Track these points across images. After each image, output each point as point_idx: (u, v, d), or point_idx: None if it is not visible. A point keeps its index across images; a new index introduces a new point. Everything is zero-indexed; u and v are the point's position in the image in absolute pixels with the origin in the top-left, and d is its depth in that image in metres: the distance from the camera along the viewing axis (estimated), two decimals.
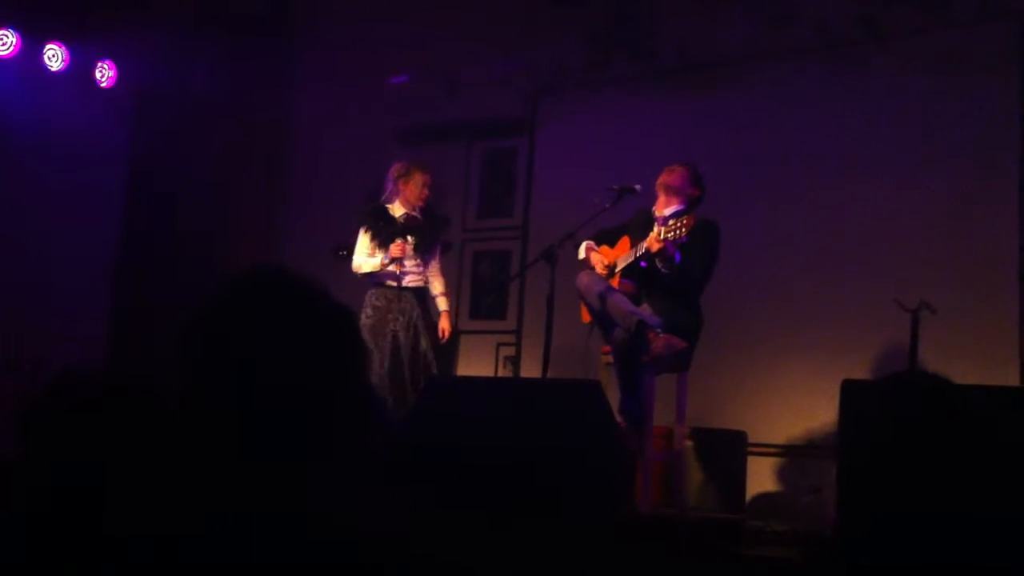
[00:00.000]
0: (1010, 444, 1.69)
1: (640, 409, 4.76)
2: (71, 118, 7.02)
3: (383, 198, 6.00)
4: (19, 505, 1.41)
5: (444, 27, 7.25)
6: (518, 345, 7.05)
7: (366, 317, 5.74)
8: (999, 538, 1.48)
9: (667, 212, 4.99)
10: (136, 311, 7.11)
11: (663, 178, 5.08)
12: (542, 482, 3.42)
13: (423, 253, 5.93)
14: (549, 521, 3.02)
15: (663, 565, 3.44)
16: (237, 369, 1.34)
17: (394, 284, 5.82)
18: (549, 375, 4.92)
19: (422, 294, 5.95)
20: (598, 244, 5.28)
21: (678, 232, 4.55)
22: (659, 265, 4.75)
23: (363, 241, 5.88)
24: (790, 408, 5.76)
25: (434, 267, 6.03)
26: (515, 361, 7.03)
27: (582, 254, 5.27)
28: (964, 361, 5.16)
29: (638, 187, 5.01)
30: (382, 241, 5.83)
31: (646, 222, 5.03)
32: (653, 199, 5.12)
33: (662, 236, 4.60)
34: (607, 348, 5.03)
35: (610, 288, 4.91)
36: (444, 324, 6.00)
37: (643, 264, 4.87)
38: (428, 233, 5.99)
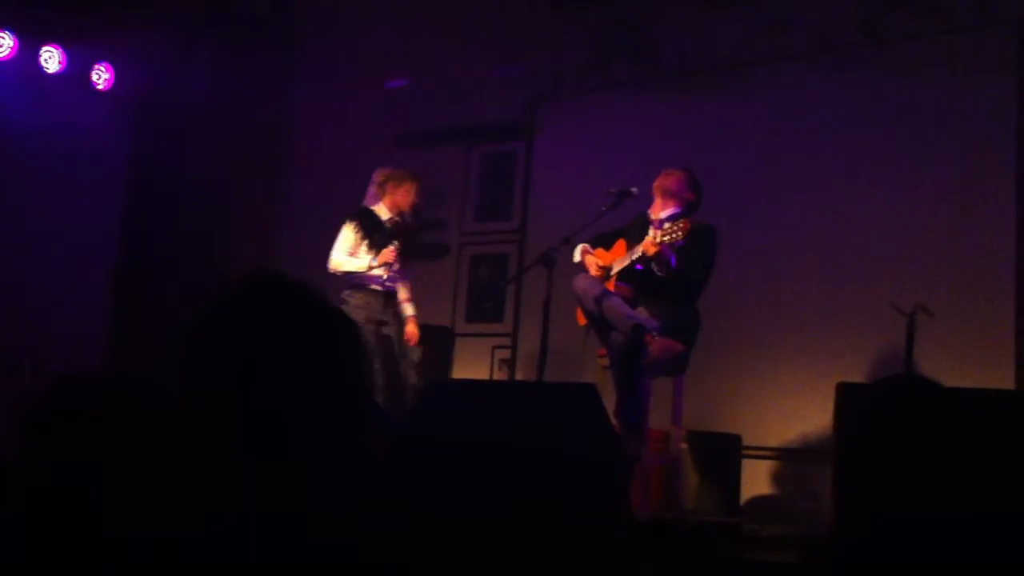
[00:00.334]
0: (1006, 446, 1.70)
1: (637, 412, 4.75)
2: (69, 120, 7.02)
3: (366, 200, 5.98)
4: (19, 505, 1.41)
5: (444, 31, 7.26)
6: (514, 348, 7.05)
7: (362, 317, 5.72)
8: (996, 539, 1.48)
9: (663, 215, 5.00)
10: (136, 312, 7.11)
11: (660, 181, 5.08)
12: (539, 485, 3.42)
13: (408, 259, 5.95)
14: (546, 523, 3.03)
15: (660, 568, 3.44)
16: (237, 369, 1.34)
17: (378, 288, 5.82)
18: (545, 378, 4.93)
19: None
20: (594, 247, 5.28)
21: (674, 236, 4.55)
22: (655, 269, 4.76)
23: (348, 240, 5.83)
24: (786, 411, 5.77)
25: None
26: (511, 364, 7.03)
27: (577, 257, 5.28)
28: (960, 364, 5.18)
29: (635, 190, 5.02)
30: (374, 244, 5.82)
31: (643, 225, 5.03)
32: (650, 203, 5.13)
33: (658, 240, 4.60)
34: (603, 351, 5.03)
35: (607, 291, 4.91)
36: (412, 328, 5.99)
37: (639, 267, 4.87)
38: (417, 240, 6.03)
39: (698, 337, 4.96)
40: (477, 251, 7.40)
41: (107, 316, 7.25)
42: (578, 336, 5.25)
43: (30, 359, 6.27)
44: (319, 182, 7.77)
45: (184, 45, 7.40)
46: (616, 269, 5.05)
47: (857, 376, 5.46)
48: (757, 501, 5.72)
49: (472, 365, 7.19)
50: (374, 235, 5.83)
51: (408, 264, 6.03)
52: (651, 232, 4.73)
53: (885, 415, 1.65)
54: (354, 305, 5.71)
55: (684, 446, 5.22)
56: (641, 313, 4.78)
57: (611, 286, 5.02)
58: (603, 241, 5.30)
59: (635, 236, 4.99)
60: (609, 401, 4.55)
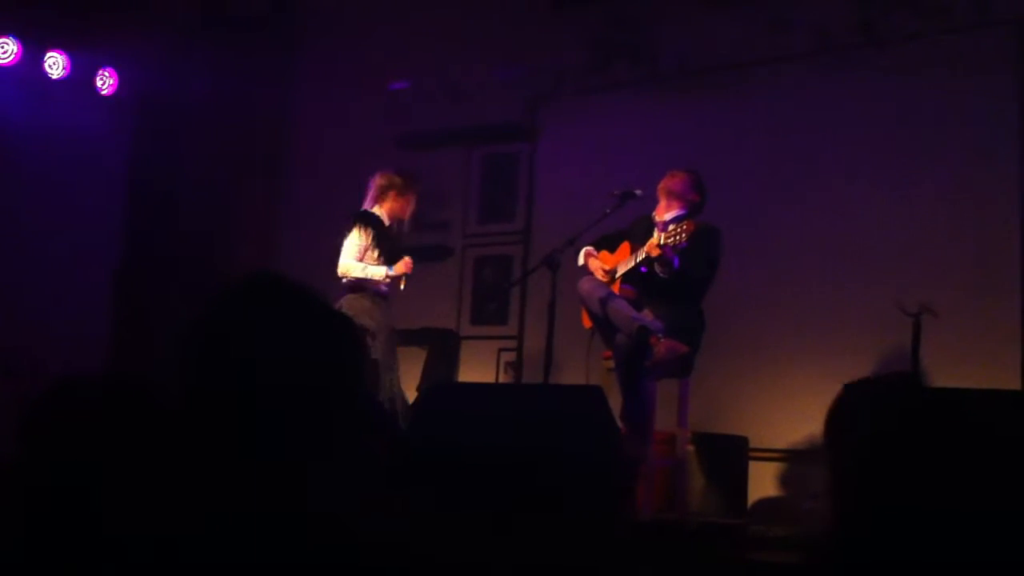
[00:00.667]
0: (1012, 446, 1.69)
1: (642, 414, 4.75)
2: (72, 126, 7.03)
3: (366, 203, 5.90)
4: (19, 505, 1.41)
5: (445, 32, 7.26)
6: (519, 351, 7.04)
7: (368, 320, 5.68)
8: (999, 539, 1.48)
9: (668, 217, 5.00)
10: (137, 313, 7.12)
11: (665, 182, 5.08)
12: (544, 488, 3.41)
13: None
14: (549, 525, 3.02)
15: (663, 570, 3.43)
16: (237, 370, 1.34)
17: (380, 294, 5.78)
18: (551, 381, 4.92)
19: None
20: (598, 250, 5.28)
21: (678, 237, 4.55)
22: (659, 270, 4.75)
23: (359, 245, 5.73)
24: (792, 412, 5.75)
25: None
26: (516, 367, 7.03)
27: (582, 260, 5.28)
28: (966, 365, 5.17)
29: (639, 191, 5.02)
30: (385, 253, 5.77)
31: (647, 227, 5.03)
32: (654, 204, 5.12)
33: (662, 241, 4.60)
34: (609, 353, 5.03)
35: (611, 294, 4.91)
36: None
37: (644, 269, 4.87)
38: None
39: (703, 339, 4.95)
40: (481, 253, 7.40)
41: (108, 317, 7.26)
42: (583, 338, 5.24)
43: (30, 360, 6.27)
44: (319, 182, 7.77)
45: (183, 46, 7.41)
46: (621, 271, 5.05)
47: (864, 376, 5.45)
48: (764, 503, 5.71)
49: (478, 367, 7.18)
50: (383, 242, 5.79)
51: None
52: (655, 234, 4.73)
53: (888, 413, 1.65)
54: (360, 309, 5.64)
55: (690, 448, 5.22)
56: (646, 315, 4.78)
57: (616, 288, 5.02)
58: (606, 243, 5.30)
59: (639, 238, 4.98)
60: (615, 403, 4.55)
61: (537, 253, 6.39)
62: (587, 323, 5.15)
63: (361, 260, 5.70)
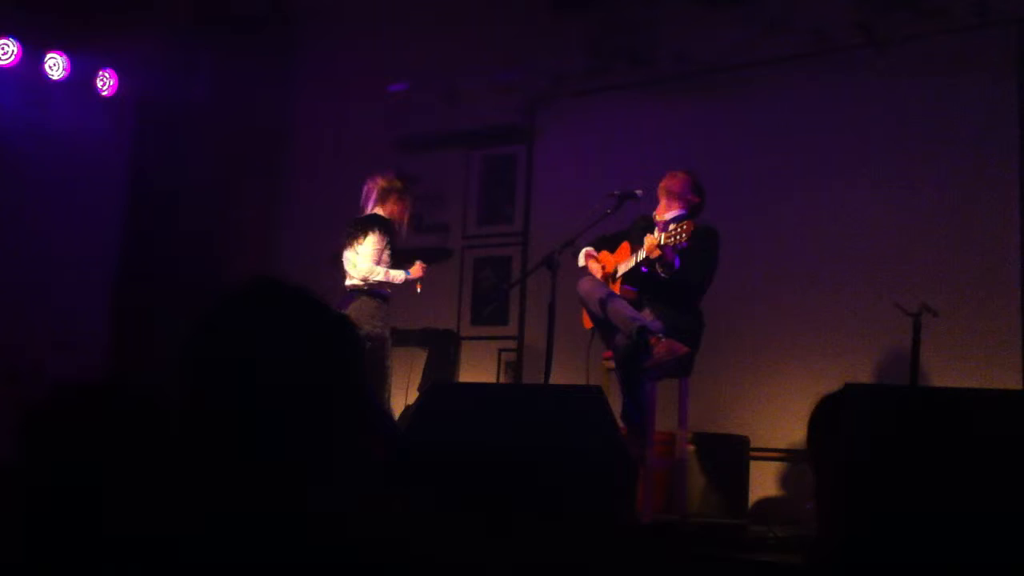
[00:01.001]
0: (1012, 446, 1.69)
1: (642, 415, 4.75)
2: (72, 127, 7.03)
3: (369, 205, 5.90)
4: (19, 509, 1.41)
5: (444, 34, 7.26)
6: (520, 351, 7.05)
7: (380, 324, 5.73)
8: (999, 539, 1.48)
9: (667, 217, 5.00)
10: (137, 317, 7.12)
11: (665, 182, 5.09)
12: (545, 488, 3.41)
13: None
14: (551, 526, 3.02)
15: (665, 570, 3.43)
16: (237, 371, 1.34)
17: (385, 298, 5.80)
18: (551, 381, 4.92)
19: None
20: (598, 250, 5.28)
21: (678, 237, 4.55)
22: (659, 270, 4.75)
23: (377, 249, 5.73)
24: (792, 412, 5.74)
25: None
26: (517, 367, 7.03)
27: (581, 261, 5.28)
28: (966, 364, 5.17)
29: (639, 192, 5.02)
30: (394, 254, 5.81)
31: (645, 227, 5.03)
32: (653, 206, 5.13)
33: (662, 241, 4.60)
34: (609, 354, 5.03)
35: (611, 294, 4.91)
36: None
37: (644, 269, 4.87)
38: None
39: (703, 339, 4.96)
40: (480, 254, 7.41)
41: (108, 321, 7.26)
42: (583, 339, 5.24)
43: (31, 362, 6.28)
44: (319, 183, 7.78)
45: (183, 47, 7.42)
46: (620, 272, 5.05)
47: (864, 376, 5.46)
48: (765, 503, 5.71)
49: (478, 368, 7.19)
50: (395, 245, 5.84)
51: None
52: (655, 233, 4.73)
53: (887, 416, 1.65)
54: (372, 314, 5.68)
55: (690, 448, 5.22)
56: (646, 315, 4.78)
57: (615, 288, 5.02)
58: (605, 243, 5.30)
59: (638, 238, 4.99)
60: (615, 403, 4.55)
61: (536, 254, 6.40)
62: (587, 323, 5.15)
63: (379, 264, 5.73)
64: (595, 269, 5.17)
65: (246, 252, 7.69)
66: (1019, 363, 5.20)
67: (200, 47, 7.49)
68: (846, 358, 5.54)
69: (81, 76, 7.05)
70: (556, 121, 7.13)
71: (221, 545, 1.22)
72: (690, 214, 4.97)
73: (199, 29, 7.45)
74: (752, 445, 5.58)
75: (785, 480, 5.79)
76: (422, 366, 7.13)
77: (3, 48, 6.65)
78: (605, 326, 4.89)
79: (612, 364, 4.97)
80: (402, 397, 6.64)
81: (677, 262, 4.70)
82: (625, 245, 5.20)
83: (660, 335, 4.66)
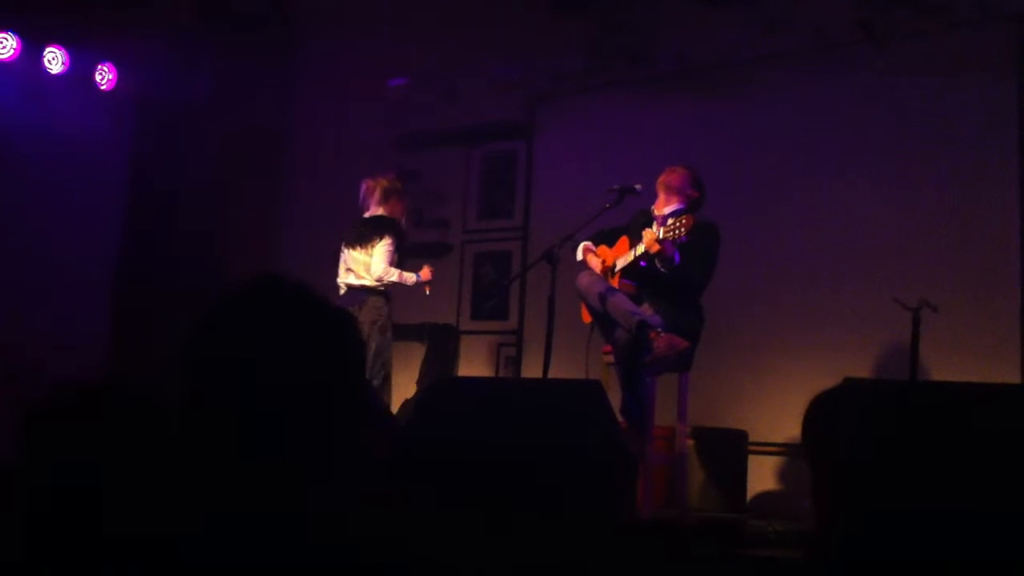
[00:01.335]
0: (1011, 441, 1.69)
1: (641, 409, 4.76)
2: (71, 121, 7.02)
3: (375, 207, 5.93)
4: (19, 508, 1.41)
5: (444, 32, 7.26)
6: (519, 346, 7.05)
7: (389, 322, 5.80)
8: (1000, 538, 1.48)
9: (667, 211, 5.00)
10: (137, 315, 7.11)
11: (664, 177, 5.09)
12: (544, 482, 3.42)
13: None
14: (550, 522, 3.02)
15: (665, 566, 3.43)
16: (237, 369, 1.34)
17: (389, 296, 5.89)
18: (550, 375, 4.92)
19: None
20: (597, 245, 5.28)
21: (677, 232, 4.55)
22: (658, 265, 4.75)
23: (390, 251, 5.81)
24: (791, 407, 5.72)
25: None
26: (516, 361, 7.03)
27: (580, 256, 5.28)
28: (966, 359, 5.17)
29: (639, 187, 5.02)
30: (403, 255, 5.87)
31: (645, 222, 5.03)
32: (653, 200, 5.13)
33: (661, 236, 4.60)
34: (608, 348, 5.03)
35: (611, 288, 4.91)
36: None
37: (643, 264, 4.87)
38: None
39: (702, 333, 4.96)
40: (480, 248, 7.41)
41: (108, 319, 7.26)
42: (583, 333, 5.25)
43: (31, 361, 6.27)
44: (319, 182, 7.78)
45: (184, 45, 7.40)
46: (620, 266, 5.05)
47: (863, 371, 5.46)
48: (764, 497, 5.72)
49: (477, 363, 7.19)
50: (402, 246, 5.90)
51: None
52: (654, 228, 4.73)
53: (887, 413, 1.65)
54: (385, 313, 5.76)
55: (690, 442, 5.22)
56: (645, 310, 4.78)
57: (615, 283, 5.02)
58: (604, 238, 5.30)
59: (637, 233, 4.98)
60: (615, 398, 4.55)
61: (536, 249, 6.40)
62: (586, 318, 5.15)
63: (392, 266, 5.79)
64: (594, 263, 5.17)
65: (246, 251, 7.69)
66: (1018, 359, 5.21)
67: (201, 45, 7.48)
68: (845, 354, 5.54)
69: (80, 70, 7.04)
70: (556, 119, 7.13)
71: (221, 545, 1.22)
72: (689, 209, 4.97)
73: (200, 27, 7.44)
74: (751, 440, 5.59)
75: (784, 475, 5.80)
76: (421, 361, 7.15)
77: (2, 42, 6.63)
78: (605, 320, 4.89)
79: (611, 359, 4.97)
80: (401, 392, 6.65)
81: (677, 257, 4.70)
82: (624, 240, 5.20)
83: (660, 330, 4.66)
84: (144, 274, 7.26)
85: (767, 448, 5.75)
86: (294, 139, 8.20)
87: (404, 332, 6.76)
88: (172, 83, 7.40)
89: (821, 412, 1.75)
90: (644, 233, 4.72)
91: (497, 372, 7.11)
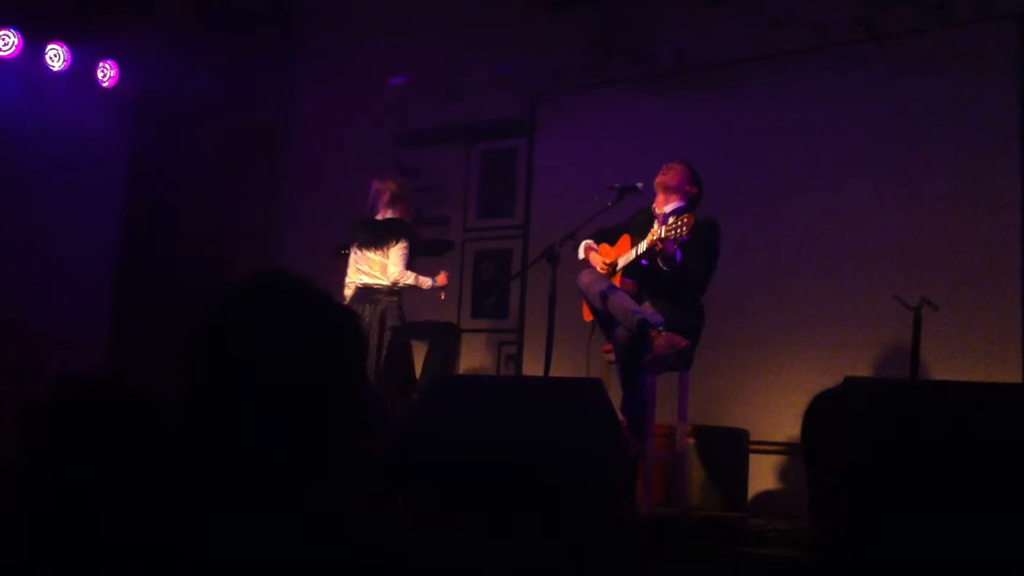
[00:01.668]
0: (1012, 441, 1.69)
1: (642, 408, 4.75)
2: (73, 118, 7.02)
3: (383, 210, 5.97)
4: (20, 507, 1.41)
5: (444, 30, 7.26)
6: (520, 344, 7.05)
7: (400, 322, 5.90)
8: (1000, 537, 1.48)
9: (667, 209, 4.99)
10: (137, 313, 7.11)
11: (660, 177, 5.07)
12: (544, 481, 3.42)
13: None
14: (550, 520, 3.02)
15: (665, 565, 3.43)
16: (237, 369, 1.34)
17: (399, 295, 5.97)
18: (551, 374, 4.92)
19: None
20: (597, 243, 5.27)
21: (679, 230, 4.54)
22: (660, 263, 4.74)
23: (405, 255, 5.91)
24: (792, 406, 5.74)
25: None
26: (517, 360, 7.03)
27: (581, 254, 5.27)
28: (966, 358, 5.17)
29: (640, 185, 5.01)
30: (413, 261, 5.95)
31: (646, 220, 5.02)
32: (653, 198, 5.12)
33: (663, 234, 4.59)
34: (609, 347, 5.03)
35: (612, 287, 4.90)
36: None
37: (644, 262, 4.87)
38: None
39: (703, 332, 4.95)
40: (481, 247, 7.41)
41: (108, 317, 7.26)
42: (583, 332, 5.24)
43: (32, 362, 6.28)
44: (319, 182, 7.78)
45: (184, 44, 7.41)
46: (621, 264, 5.04)
47: (864, 370, 5.46)
48: (764, 496, 5.71)
49: (478, 361, 7.19)
50: (414, 252, 5.98)
51: None
52: (656, 227, 4.72)
53: (887, 414, 1.65)
54: (399, 314, 5.89)
55: (690, 441, 5.21)
56: (646, 308, 4.78)
57: (616, 281, 5.01)
58: (605, 236, 5.29)
59: (638, 231, 4.98)
60: (615, 396, 4.55)
61: (536, 247, 6.39)
62: (587, 316, 5.15)
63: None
64: (595, 262, 5.16)
65: (246, 249, 7.69)
66: (1019, 358, 5.20)
67: (201, 43, 7.48)
68: (846, 352, 5.54)
69: (82, 67, 7.04)
70: (556, 115, 7.13)
71: (221, 545, 1.22)
72: (689, 206, 4.96)
73: (200, 24, 7.44)
74: (752, 438, 5.59)
75: (785, 474, 5.80)
76: (422, 358, 7.14)
77: (4, 39, 6.63)
78: (605, 319, 4.89)
79: (612, 357, 4.97)
80: None
81: (679, 255, 4.70)
82: (625, 238, 5.19)
83: (660, 328, 4.65)
84: (144, 271, 7.26)
85: (768, 447, 5.75)
86: (294, 136, 8.20)
87: (405, 330, 6.76)
88: (172, 81, 7.40)
89: (821, 412, 1.75)
90: (651, 233, 4.71)
91: (497, 370, 7.11)
